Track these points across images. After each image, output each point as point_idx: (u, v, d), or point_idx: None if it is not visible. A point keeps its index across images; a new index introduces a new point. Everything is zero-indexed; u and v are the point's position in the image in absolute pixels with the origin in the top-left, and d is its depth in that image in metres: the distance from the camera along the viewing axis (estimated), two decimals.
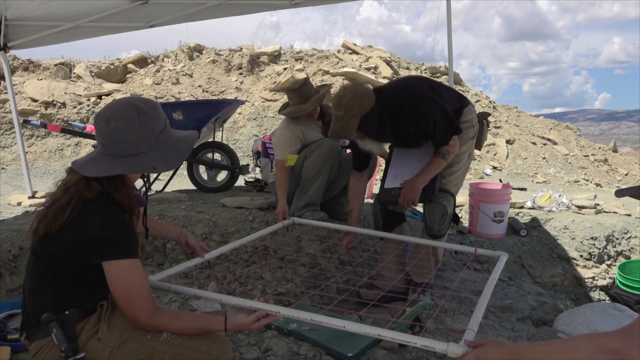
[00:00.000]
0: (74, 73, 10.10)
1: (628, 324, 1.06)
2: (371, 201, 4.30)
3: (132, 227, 1.49)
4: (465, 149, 2.78)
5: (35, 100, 8.82)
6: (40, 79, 9.48)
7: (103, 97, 9.40)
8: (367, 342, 2.22)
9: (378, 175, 4.82)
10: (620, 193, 1.11)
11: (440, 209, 2.69)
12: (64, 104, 8.87)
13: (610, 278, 3.95)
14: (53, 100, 8.81)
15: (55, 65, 10.01)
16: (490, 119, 11.25)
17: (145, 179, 1.73)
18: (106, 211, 1.44)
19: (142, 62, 10.99)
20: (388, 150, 2.91)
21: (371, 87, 2.62)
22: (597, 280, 3.95)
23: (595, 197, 5.26)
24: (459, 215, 4.53)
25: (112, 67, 10.62)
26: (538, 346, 1.20)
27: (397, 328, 2.24)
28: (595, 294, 3.90)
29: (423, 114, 2.51)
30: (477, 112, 2.90)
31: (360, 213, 2.94)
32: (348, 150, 3.51)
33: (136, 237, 1.51)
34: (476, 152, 9.10)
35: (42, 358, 1.46)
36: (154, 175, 5.08)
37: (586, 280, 3.93)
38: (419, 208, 3.73)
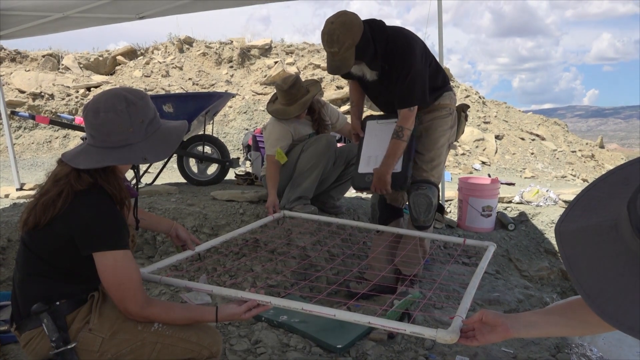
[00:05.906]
0: (62, 64, 9.99)
1: None
2: (357, 194, 4.33)
3: (123, 218, 1.50)
4: (444, 140, 2.80)
5: (22, 92, 8.73)
6: (28, 70, 9.37)
7: (92, 89, 9.32)
8: (356, 334, 2.24)
9: None
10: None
11: (425, 200, 2.73)
12: (52, 96, 8.79)
13: None
14: (41, 92, 8.72)
15: (43, 56, 9.90)
16: (479, 114, 11.34)
17: (135, 170, 1.73)
18: (97, 203, 1.44)
19: (131, 54, 10.90)
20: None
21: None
22: None
23: None
24: (447, 209, 4.57)
25: (100, 58, 10.53)
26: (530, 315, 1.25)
27: (386, 318, 2.27)
28: None
29: (403, 58, 2.49)
30: (458, 103, 2.90)
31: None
32: (339, 144, 3.52)
33: (127, 228, 1.51)
34: (461, 144, 9.12)
35: (32, 348, 1.46)
36: (144, 167, 5.06)
37: None
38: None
